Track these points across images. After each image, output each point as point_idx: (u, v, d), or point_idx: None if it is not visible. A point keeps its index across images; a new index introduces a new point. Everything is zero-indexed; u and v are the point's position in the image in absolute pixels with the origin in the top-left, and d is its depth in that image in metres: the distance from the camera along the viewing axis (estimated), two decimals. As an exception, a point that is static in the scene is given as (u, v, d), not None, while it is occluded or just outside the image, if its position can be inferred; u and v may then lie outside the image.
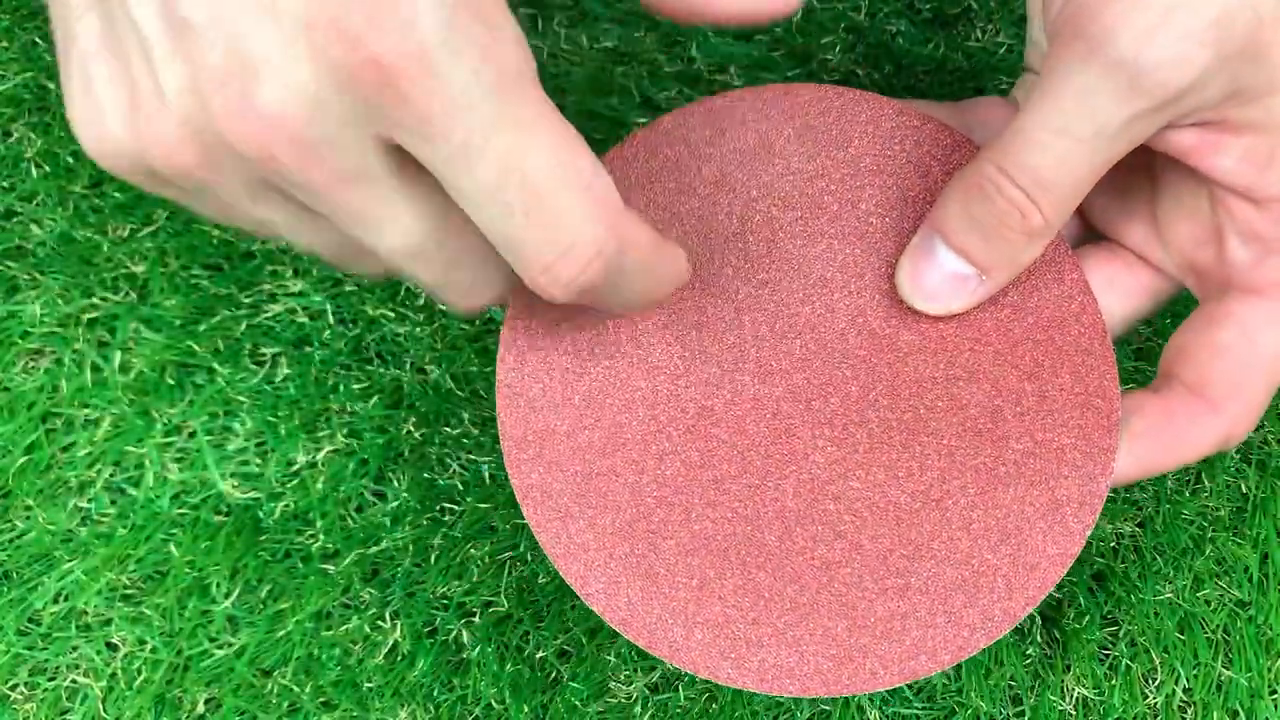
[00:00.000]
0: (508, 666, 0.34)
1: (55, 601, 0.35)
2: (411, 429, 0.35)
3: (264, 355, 0.36)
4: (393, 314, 0.36)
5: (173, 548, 0.35)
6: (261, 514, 0.35)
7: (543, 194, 0.20)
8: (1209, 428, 0.27)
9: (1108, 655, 0.35)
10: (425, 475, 0.35)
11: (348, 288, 0.36)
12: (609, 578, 0.27)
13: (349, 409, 0.35)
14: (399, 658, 0.34)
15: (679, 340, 0.28)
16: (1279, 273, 0.26)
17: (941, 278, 0.27)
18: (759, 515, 0.28)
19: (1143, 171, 0.28)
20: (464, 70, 0.20)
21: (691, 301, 0.29)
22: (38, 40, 0.37)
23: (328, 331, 0.36)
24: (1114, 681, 0.34)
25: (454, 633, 0.34)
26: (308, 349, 0.36)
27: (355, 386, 0.36)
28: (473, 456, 0.35)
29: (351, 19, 0.19)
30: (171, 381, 0.36)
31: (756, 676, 0.27)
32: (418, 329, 0.36)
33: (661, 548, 0.28)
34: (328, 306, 0.36)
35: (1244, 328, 0.26)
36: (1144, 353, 0.36)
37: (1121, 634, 0.35)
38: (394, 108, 0.20)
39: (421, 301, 0.36)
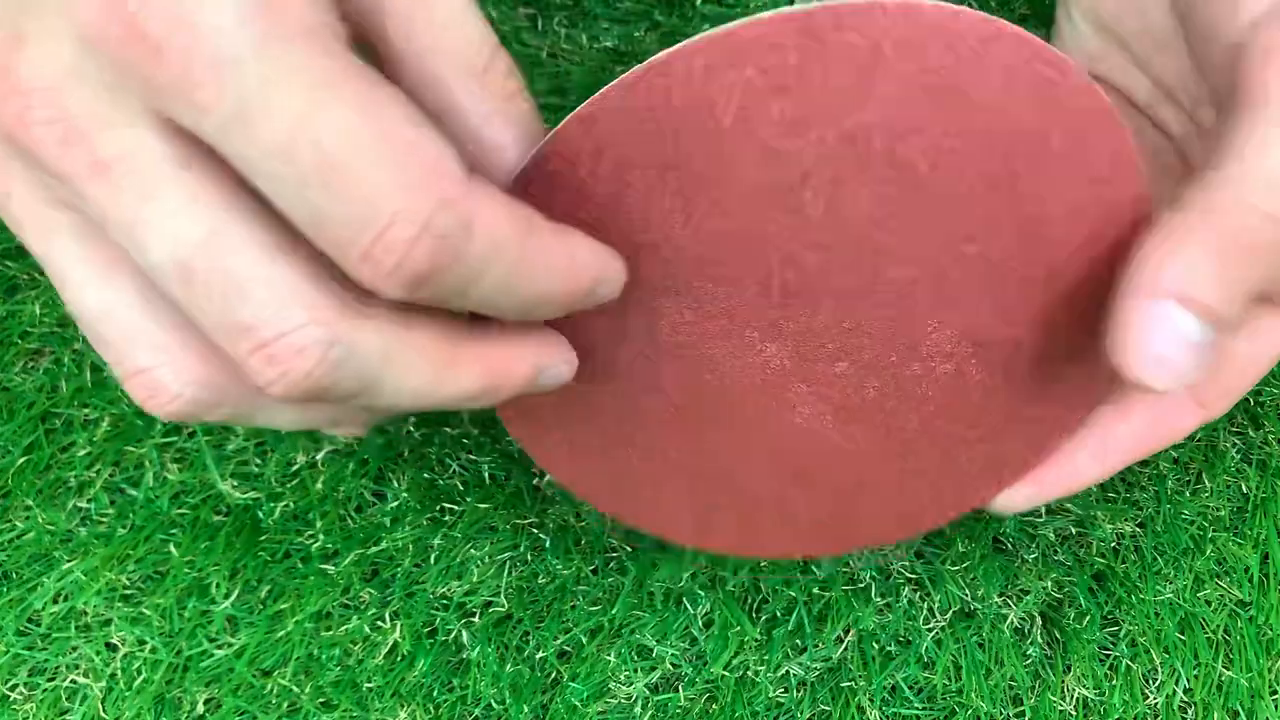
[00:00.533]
0: (508, 666, 0.34)
1: (55, 602, 0.35)
2: (411, 429, 0.35)
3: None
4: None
5: (172, 548, 0.35)
6: (261, 514, 0.35)
7: (343, 159, 0.17)
8: (1194, 420, 0.28)
9: (1108, 655, 0.35)
10: (425, 475, 0.35)
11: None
12: (582, 463, 0.28)
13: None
14: (399, 658, 0.34)
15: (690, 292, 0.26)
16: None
17: (1190, 350, 0.22)
18: (740, 446, 0.28)
19: None
20: (226, 21, 0.16)
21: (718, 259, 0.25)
22: (37, 40, 0.37)
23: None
24: (1114, 682, 0.34)
25: (454, 633, 0.34)
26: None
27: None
28: (473, 457, 0.35)
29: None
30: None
31: (723, 537, 0.28)
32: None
33: (637, 450, 0.28)
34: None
35: (1253, 333, 0.27)
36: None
37: (1122, 634, 0.35)
38: (154, 71, 0.17)
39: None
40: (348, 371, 0.18)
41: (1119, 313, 0.22)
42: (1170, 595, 0.35)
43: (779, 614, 0.35)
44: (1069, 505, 0.35)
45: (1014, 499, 0.29)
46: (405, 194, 0.17)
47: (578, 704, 0.34)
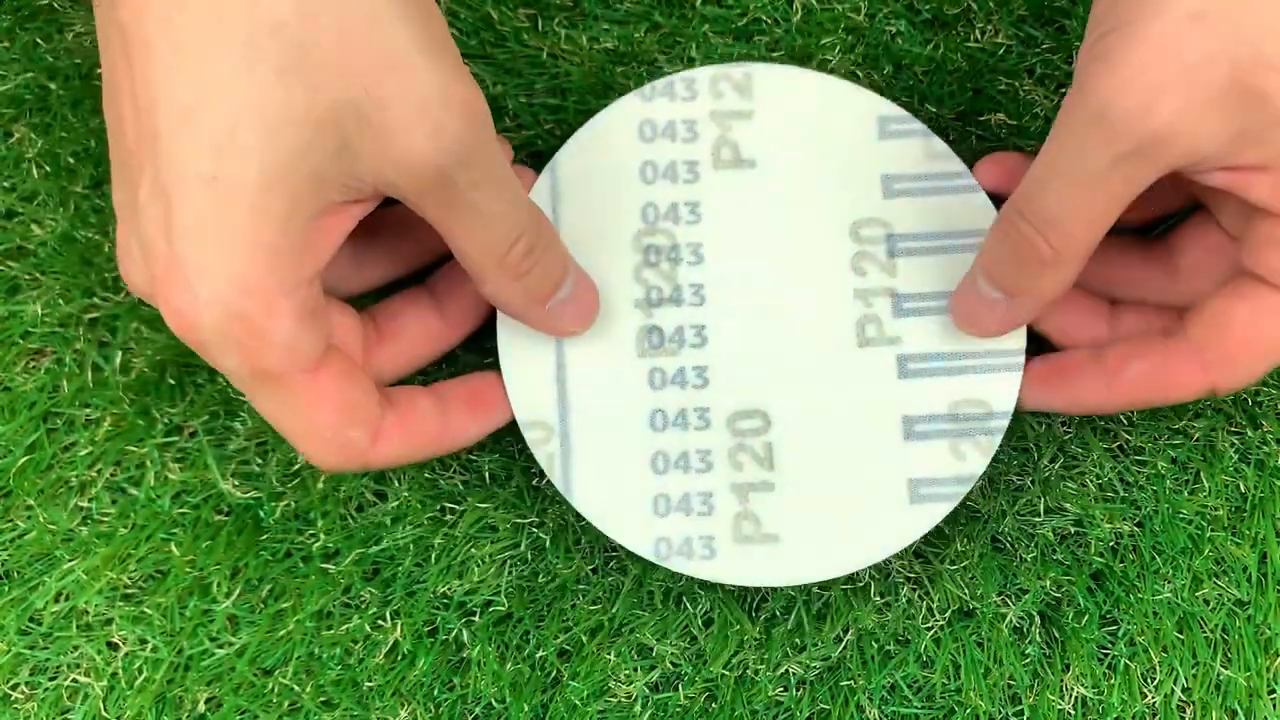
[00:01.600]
0: (508, 665, 0.34)
1: (56, 601, 0.35)
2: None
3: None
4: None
5: (173, 547, 0.35)
6: (262, 513, 0.35)
7: (289, 436, 0.29)
8: (1196, 383, 0.31)
9: (1106, 655, 0.35)
10: (426, 476, 0.35)
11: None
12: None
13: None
14: (399, 657, 0.34)
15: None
16: None
17: (976, 303, 0.32)
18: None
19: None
20: (230, 362, 0.27)
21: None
22: (39, 41, 0.37)
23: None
24: (1113, 681, 0.34)
25: (454, 632, 0.34)
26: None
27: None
28: (473, 457, 0.36)
29: (171, 298, 0.26)
30: (172, 381, 0.36)
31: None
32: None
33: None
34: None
35: (1260, 314, 0.30)
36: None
37: (1120, 633, 0.35)
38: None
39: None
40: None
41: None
42: (1168, 595, 0.35)
43: (778, 613, 0.35)
44: (1067, 505, 0.35)
45: (1031, 398, 0.33)
46: (326, 459, 0.29)
47: (578, 703, 0.34)
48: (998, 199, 0.34)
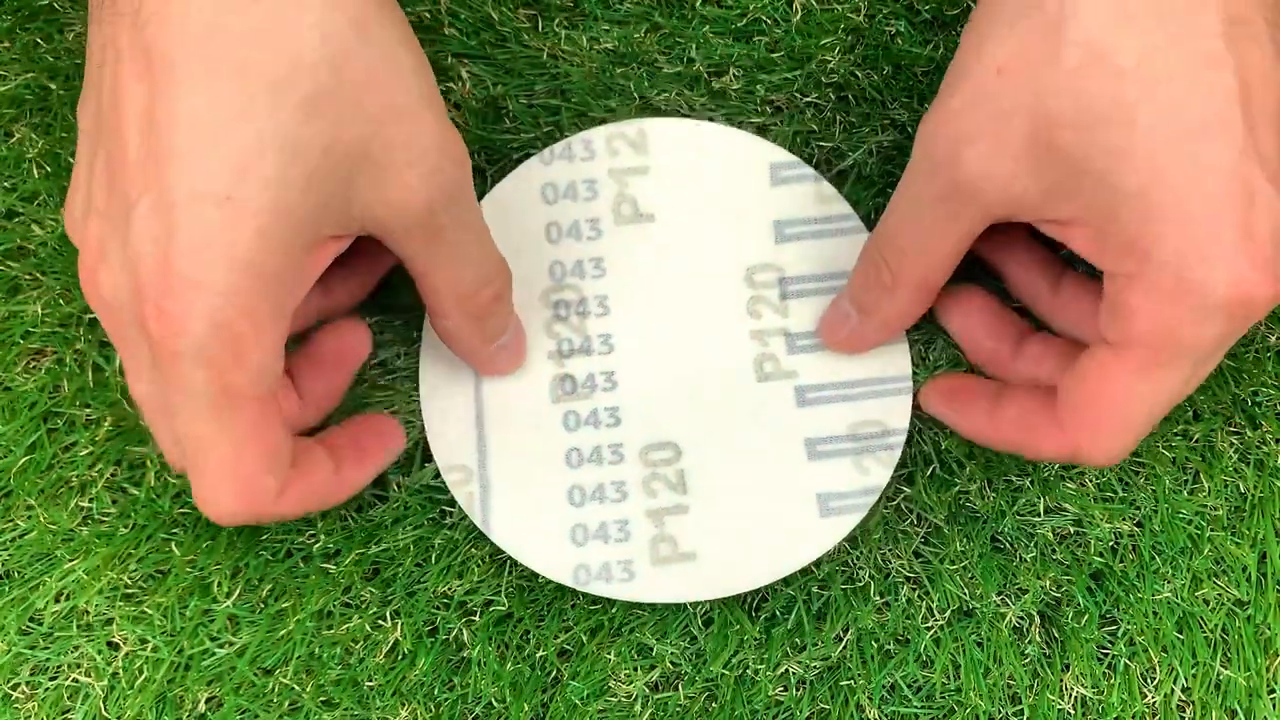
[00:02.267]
0: (508, 665, 0.34)
1: (57, 601, 0.35)
2: (410, 434, 0.36)
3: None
4: (387, 320, 0.36)
5: (174, 547, 0.35)
6: (263, 514, 0.35)
7: (206, 473, 0.28)
8: (1057, 445, 0.31)
9: (1106, 654, 0.35)
10: (428, 481, 0.35)
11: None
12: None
13: (348, 414, 0.35)
14: (400, 657, 0.34)
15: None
16: (1122, 333, 0.28)
17: (835, 317, 0.35)
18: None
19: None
20: (198, 375, 0.26)
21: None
22: (39, 41, 0.37)
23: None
24: (1113, 681, 0.34)
25: (455, 632, 0.34)
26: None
27: (354, 387, 0.36)
28: (473, 456, 0.36)
29: (165, 303, 0.26)
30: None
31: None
32: (414, 334, 0.36)
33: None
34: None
35: (1101, 371, 0.29)
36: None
37: (1120, 633, 0.35)
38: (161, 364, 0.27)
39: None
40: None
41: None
42: (1168, 594, 0.35)
43: (778, 613, 0.35)
44: (1066, 505, 0.35)
45: (929, 403, 0.35)
46: (225, 500, 0.28)
47: (578, 702, 0.34)
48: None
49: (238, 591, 0.35)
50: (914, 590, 0.35)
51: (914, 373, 0.35)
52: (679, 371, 0.36)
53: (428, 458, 0.35)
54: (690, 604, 0.35)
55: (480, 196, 0.35)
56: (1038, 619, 0.35)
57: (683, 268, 0.36)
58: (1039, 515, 0.35)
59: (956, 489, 0.35)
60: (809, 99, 0.37)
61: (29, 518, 0.35)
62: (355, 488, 0.33)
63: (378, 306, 0.36)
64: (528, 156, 0.36)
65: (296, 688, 0.34)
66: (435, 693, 0.34)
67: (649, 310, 0.36)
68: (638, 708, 0.34)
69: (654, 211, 0.36)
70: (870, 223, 0.36)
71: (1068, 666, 0.35)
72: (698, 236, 0.36)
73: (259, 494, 0.29)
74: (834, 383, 0.35)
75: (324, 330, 0.34)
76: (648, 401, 0.35)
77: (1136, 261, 0.27)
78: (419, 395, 0.35)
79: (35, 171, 0.37)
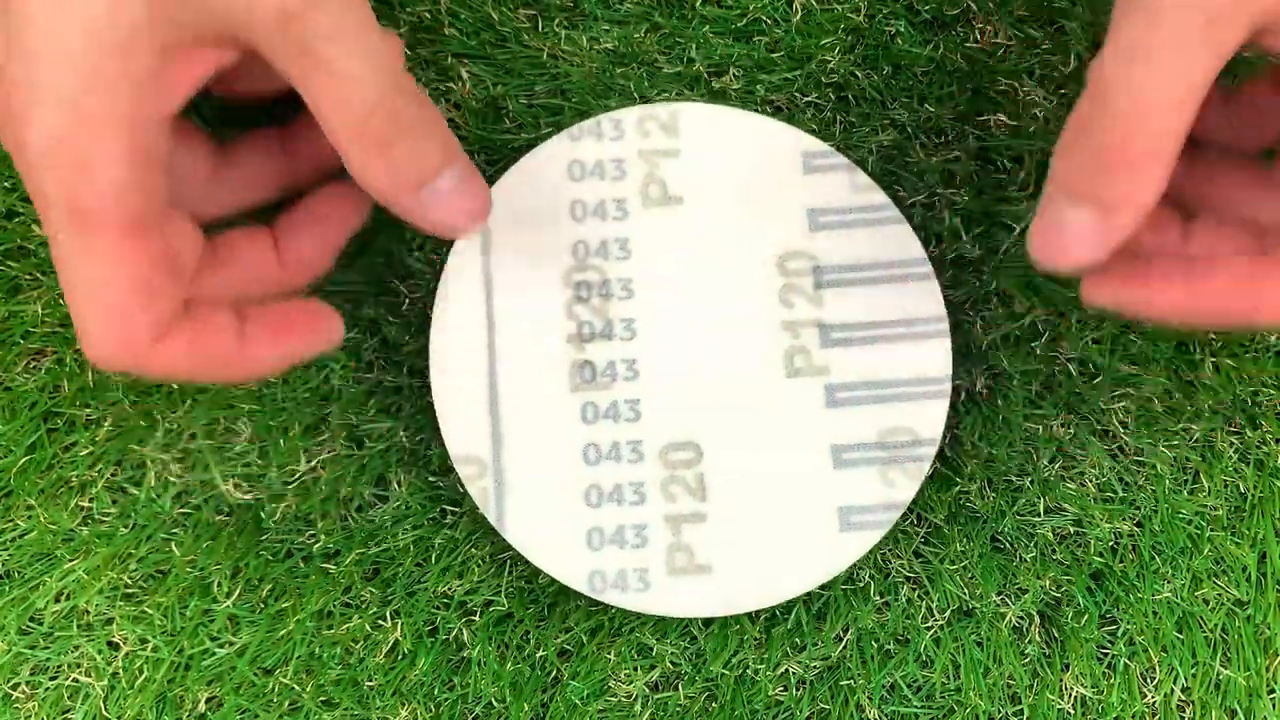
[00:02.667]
0: (508, 665, 0.34)
1: (57, 601, 0.35)
2: (411, 432, 0.36)
3: (265, 355, 0.36)
4: (391, 318, 0.36)
5: (174, 547, 0.35)
6: (263, 514, 0.35)
7: (76, 303, 0.26)
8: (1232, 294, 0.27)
9: (1106, 654, 0.35)
10: (429, 479, 0.35)
11: (345, 293, 0.36)
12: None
13: (349, 413, 0.35)
14: (400, 656, 0.34)
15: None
16: None
17: (1062, 230, 0.27)
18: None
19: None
20: (50, 190, 0.25)
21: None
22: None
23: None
24: (1112, 680, 0.35)
25: (455, 632, 0.34)
26: (309, 349, 0.36)
27: (354, 389, 0.36)
28: (473, 456, 0.36)
29: (7, 116, 0.25)
30: (174, 386, 0.36)
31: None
32: (417, 332, 0.36)
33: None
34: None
35: None
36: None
37: (1120, 633, 0.35)
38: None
39: (420, 307, 0.36)
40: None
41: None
42: (1168, 594, 0.35)
43: (778, 612, 0.35)
44: (1066, 505, 0.35)
45: (1100, 292, 0.29)
46: (101, 344, 0.26)
47: (578, 702, 0.34)
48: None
49: (238, 591, 0.35)
50: (914, 590, 0.35)
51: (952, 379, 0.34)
52: (704, 361, 0.34)
53: (432, 454, 0.35)
54: (690, 604, 0.35)
55: (491, 183, 0.35)
56: (1037, 619, 0.35)
57: (711, 253, 0.35)
58: (1039, 515, 0.35)
59: (956, 489, 0.35)
60: (809, 99, 0.37)
61: (29, 518, 0.35)
62: (262, 366, 0.29)
63: (381, 285, 0.36)
64: (530, 155, 0.36)
65: (296, 688, 0.34)
66: (435, 693, 0.34)
67: (675, 295, 0.35)
68: (638, 708, 0.34)
69: (683, 194, 0.35)
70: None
71: (1067, 666, 0.35)
72: (728, 222, 0.35)
73: (130, 331, 0.26)
74: (866, 381, 0.34)
75: (313, 192, 0.32)
76: (670, 394, 0.34)
77: None
78: (428, 377, 0.34)
79: (35, 171, 0.37)
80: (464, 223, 0.30)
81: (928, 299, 0.35)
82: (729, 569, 0.34)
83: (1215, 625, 0.35)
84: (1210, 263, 0.28)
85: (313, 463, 0.35)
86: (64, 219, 0.25)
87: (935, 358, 0.34)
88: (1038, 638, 0.35)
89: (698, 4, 0.37)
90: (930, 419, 0.34)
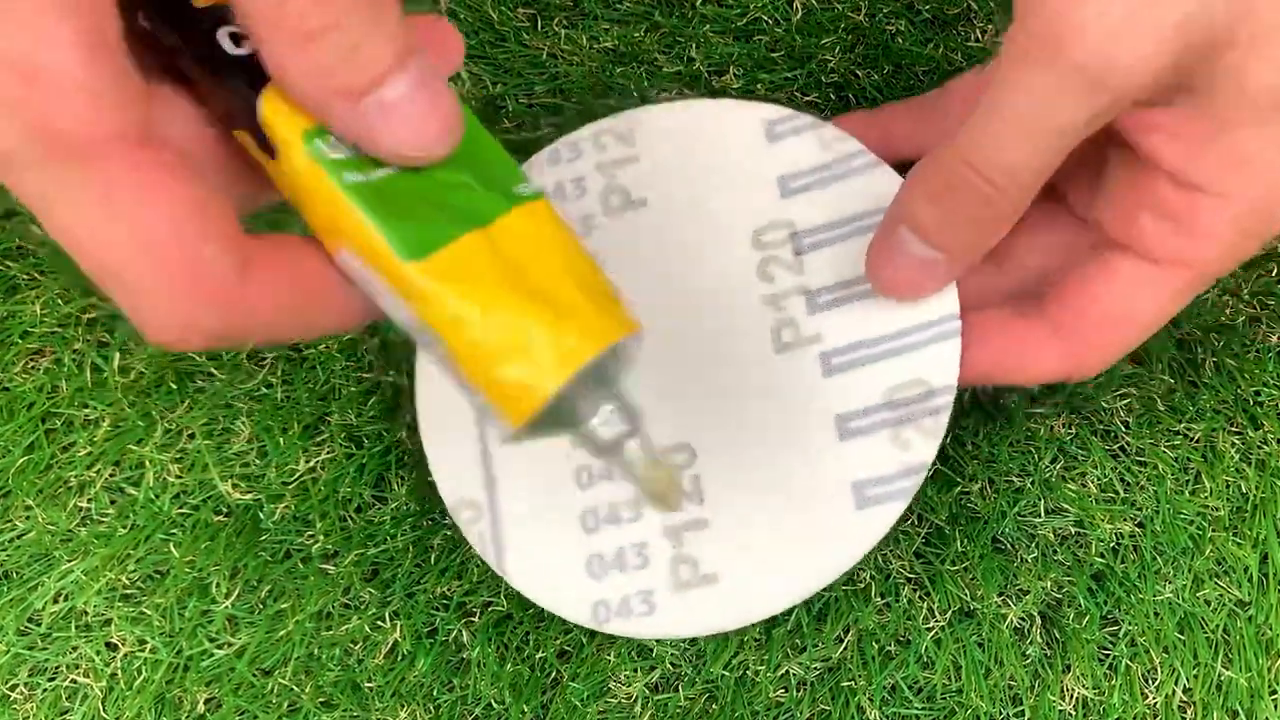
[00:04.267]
0: (508, 666, 0.34)
1: (55, 601, 0.35)
2: (410, 433, 0.35)
3: (263, 359, 0.36)
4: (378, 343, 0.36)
5: (173, 548, 0.35)
6: (262, 515, 0.35)
7: (109, 266, 0.19)
8: (1053, 363, 0.29)
9: (1107, 655, 0.35)
10: (427, 479, 0.35)
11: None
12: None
13: (348, 413, 0.35)
14: (399, 658, 0.34)
15: None
16: (1179, 251, 0.27)
17: (914, 267, 0.29)
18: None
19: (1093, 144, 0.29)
20: (11, 131, 0.18)
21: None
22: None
23: (325, 340, 0.36)
24: (1114, 682, 0.34)
25: (454, 633, 0.34)
26: (307, 352, 0.36)
27: (353, 389, 0.36)
28: (473, 457, 0.35)
29: None
30: (173, 385, 0.36)
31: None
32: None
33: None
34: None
35: (1128, 287, 0.28)
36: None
37: (1121, 634, 0.35)
38: None
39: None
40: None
41: (873, 237, 0.30)
42: (1169, 595, 0.35)
43: (778, 614, 0.35)
44: (1067, 505, 0.35)
45: None
46: (168, 300, 0.19)
47: (578, 704, 0.34)
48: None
49: (236, 592, 0.35)
50: (915, 591, 0.35)
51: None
52: (687, 357, 0.32)
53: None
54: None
55: None
56: (1039, 620, 0.35)
57: (682, 247, 0.33)
58: (1040, 516, 0.35)
59: (958, 489, 0.35)
60: (809, 98, 0.37)
61: (27, 518, 0.35)
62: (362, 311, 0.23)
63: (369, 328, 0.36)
64: (528, 156, 0.36)
65: (295, 689, 0.34)
66: (435, 694, 0.34)
67: (653, 297, 0.32)
68: (638, 709, 0.34)
69: (645, 196, 0.34)
70: None
71: (1069, 667, 0.34)
72: (695, 212, 0.33)
73: (202, 275, 0.19)
74: (865, 340, 0.31)
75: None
76: (658, 399, 0.31)
77: (1238, 182, 0.25)
78: (416, 417, 0.32)
79: (34, 171, 0.37)
80: (422, 146, 0.21)
81: None
82: (738, 575, 0.31)
83: (1217, 626, 0.35)
84: (982, 322, 0.30)
85: (312, 463, 0.35)
86: (44, 162, 0.19)
87: (938, 296, 0.31)
88: (1039, 639, 0.35)
89: (698, 3, 0.37)
90: (942, 364, 0.30)
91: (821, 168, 0.33)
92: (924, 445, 0.30)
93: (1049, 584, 0.35)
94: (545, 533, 0.32)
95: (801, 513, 0.31)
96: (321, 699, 0.34)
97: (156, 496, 0.35)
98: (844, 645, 0.34)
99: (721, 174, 0.33)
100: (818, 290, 0.32)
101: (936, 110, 0.33)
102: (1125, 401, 0.35)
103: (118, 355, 0.36)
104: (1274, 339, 0.36)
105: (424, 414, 0.32)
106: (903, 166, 0.31)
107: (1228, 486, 0.35)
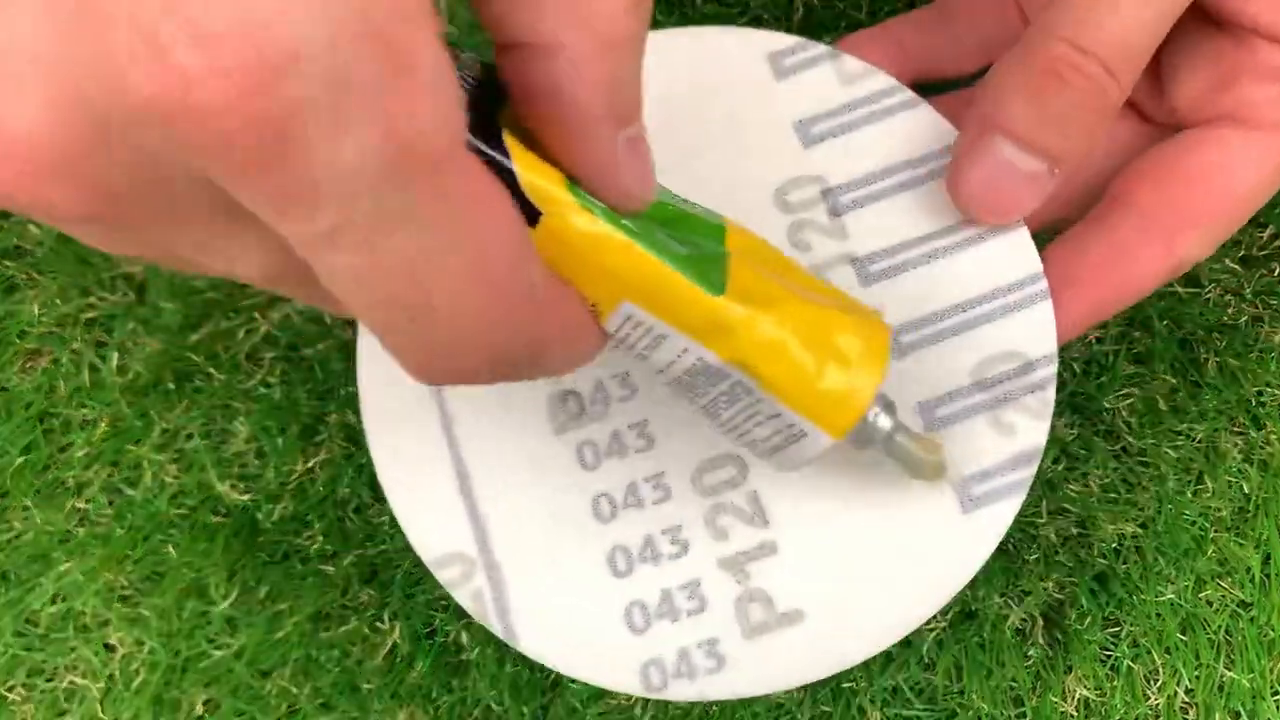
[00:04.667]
0: (507, 668, 0.34)
1: (53, 602, 0.35)
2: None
3: (261, 360, 0.36)
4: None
5: (171, 549, 0.35)
6: (260, 515, 0.35)
7: (427, 305, 0.15)
8: (1157, 262, 0.25)
9: (1109, 656, 0.35)
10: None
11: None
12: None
13: (346, 413, 0.35)
14: (398, 659, 0.34)
15: None
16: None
17: (1013, 180, 0.25)
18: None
19: None
20: (350, 147, 0.13)
21: None
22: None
23: (323, 339, 0.36)
24: (1115, 683, 0.34)
25: (453, 634, 0.34)
26: (305, 352, 0.36)
27: (352, 389, 0.35)
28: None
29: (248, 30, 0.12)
30: (171, 385, 0.35)
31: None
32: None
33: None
34: (324, 311, 0.36)
35: (1228, 155, 0.25)
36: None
37: (1123, 635, 0.35)
38: (229, 173, 0.13)
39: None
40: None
41: (955, 148, 0.25)
42: (1172, 596, 0.35)
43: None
44: (1069, 506, 0.35)
45: (1077, 307, 0.27)
46: (491, 338, 0.17)
47: (577, 705, 0.34)
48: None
49: (235, 593, 0.35)
50: (916, 592, 0.35)
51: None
52: None
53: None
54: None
55: None
56: (1040, 621, 0.35)
57: None
58: (1042, 517, 0.35)
59: (959, 490, 0.35)
60: (810, 97, 0.36)
61: (25, 519, 0.35)
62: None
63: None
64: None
65: (294, 690, 0.34)
66: (434, 695, 0.34)
67: None
68: (638, 710, 0.34)
69: None
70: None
71: (1070, 669, 0.34)
72: (699, 177, 0.26)
73: (525, 295, 0.17)
74: (936, 312, 0.26)
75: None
76: (684, 402, 0.25)
77: None
78: (370, 459, 0.27)
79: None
80: (651, 187, 0.19)
81: None
82: (826, 609, 0.25)
83: (1219, 627, 0.35)
84: (1068, 238, 0.26)
85: (310, 463, 0.35)
86: (387, 177, 0.13)
87: (1015, 254, 0.26)
88: (1041, 640, 0.34)
89: (698, 2, 0.37)
90: (1036, 329, 0.25)
91: (847, 107, 0.27)
92: (1032, 428, 0.25)
93: (1051, 585, 0.35)
94: (563, 581, 0.26)
95: (893, 524, 0.25)
96: (320, 700, 0.34)
97: (154, 497, 0.35)
98: (845, 646, 0.34)
99: (724, 125, 0.27)
100: (867, 257, 0.26)
101: (945, 17, 0.30)
102: (1128, 402, 0.35)
103: (115, 355, 0.36)
104: (1277, 339, 0.36)
105: (381, 460, 0.27)
106: (921, 89, 0.28)
107: (1230, 487, 0.35)
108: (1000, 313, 0.26)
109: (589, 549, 0.26)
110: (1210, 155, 0.25)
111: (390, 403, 0.26)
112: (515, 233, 0.16)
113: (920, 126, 0.27)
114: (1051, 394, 0.25)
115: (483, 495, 0.26)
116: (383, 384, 0.26)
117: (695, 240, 0.20)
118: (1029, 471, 0.25)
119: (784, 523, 0.25)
